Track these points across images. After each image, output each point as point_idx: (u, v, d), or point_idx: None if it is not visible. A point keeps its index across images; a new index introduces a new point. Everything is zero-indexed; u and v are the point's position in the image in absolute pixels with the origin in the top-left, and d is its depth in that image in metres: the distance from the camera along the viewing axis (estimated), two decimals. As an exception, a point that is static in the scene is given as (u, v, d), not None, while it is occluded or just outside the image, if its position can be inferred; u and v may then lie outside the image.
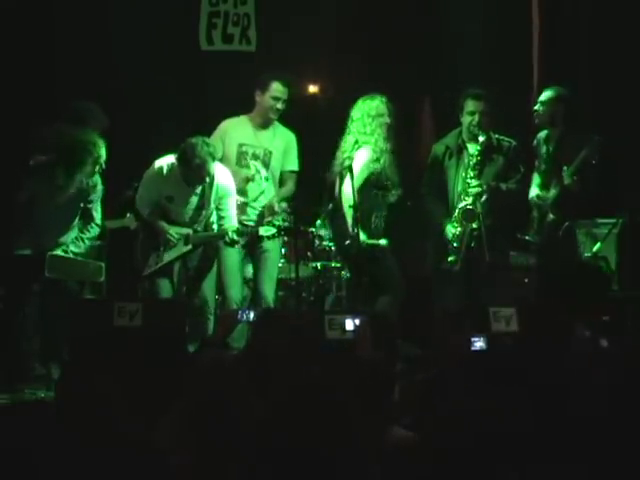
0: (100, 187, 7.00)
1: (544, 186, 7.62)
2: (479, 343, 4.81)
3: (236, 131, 7.66)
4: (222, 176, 7.27)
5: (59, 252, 6.87)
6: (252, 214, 7.61)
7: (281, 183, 7.73)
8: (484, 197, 7.28)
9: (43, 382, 6.61)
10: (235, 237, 7.12)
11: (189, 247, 7.28)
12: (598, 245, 7.38)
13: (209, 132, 7.53)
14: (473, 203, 7.26)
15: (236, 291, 7.43)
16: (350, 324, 5.25)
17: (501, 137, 7.50)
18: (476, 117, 7.38)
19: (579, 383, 3.34)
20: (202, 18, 8.97)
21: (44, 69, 8.58)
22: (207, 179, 7.14)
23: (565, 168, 7.43)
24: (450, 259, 7.31)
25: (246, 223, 7.49)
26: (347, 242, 7.28)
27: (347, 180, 7.23)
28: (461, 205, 7.30)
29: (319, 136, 7.95)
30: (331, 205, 7.80)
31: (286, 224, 7.33)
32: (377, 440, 3.36)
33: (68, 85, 8.40)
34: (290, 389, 2.75)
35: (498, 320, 5.45)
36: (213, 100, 8.62)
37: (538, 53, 8.86)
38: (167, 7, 8.87)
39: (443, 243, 7.37)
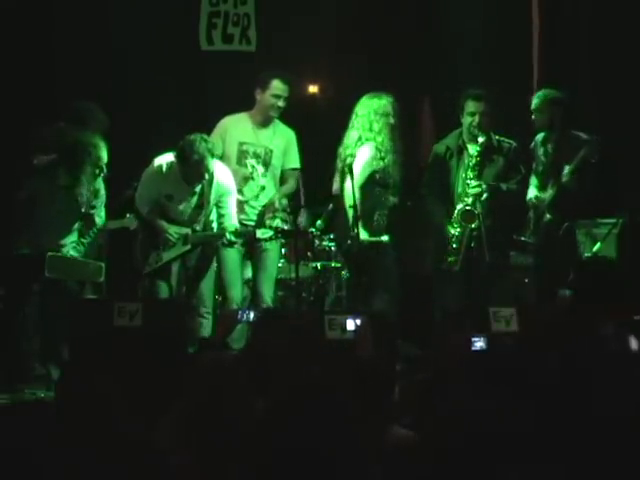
0: (103, 192, 7.00)
1: (541, 187, 7.63)
2: (479, 343, 4.81)
3: (236, 129, 7.65)
4: (222, 174, 7.27)
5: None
6: (251, 214, 7.61)
7: (282, 181, 7.73)
8: (484, 196, 7.28)
9: (43, 382, 6.61)
10: (233, 238, 7.11)
11: (188, 247, 7.29)
12: (598, 245, 7.38)
13: (209, 132, 7.52)
14: (473, 204, 7.26)
15: (236, 291, 7.42)
16: (350, 324, 5.24)
17: (501, 138, 7.50)
18: (476, 118, 7.37)
19: (603, 383, 3.32)
20: (202, 18, 8.97)
21: (44, 69, 8.59)
22: (206, 176, 7.12)
23: (566, 167, 7.44)
24: (450, 259, 7.32)
25: (245, 223, 7.49)
26: (348, 242, 7.28)
27: (348, 179, 7.23)
28: (460, 206, 7.30)
29: (319, 136, 7.95)
30: (331, 205, 7.81)
31: (285, 225, 7.33)
32: (377, 440, 3.36)
33: (68, 85, 8.40)
34: (290, 389, 2.75)
35: (498, 320, 5.45)
36: (213, 100, 8.62)
37: (538, 53, 8.85)
38: (167, 7, 8.88)
39: (443, 243, 7.37)
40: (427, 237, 7.78)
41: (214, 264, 7.41)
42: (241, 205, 7.52)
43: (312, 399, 2.66)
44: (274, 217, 7.44)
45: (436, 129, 8.71)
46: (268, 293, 7.47)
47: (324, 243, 8.17)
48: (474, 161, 7.34)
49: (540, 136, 7.71)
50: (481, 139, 7.33)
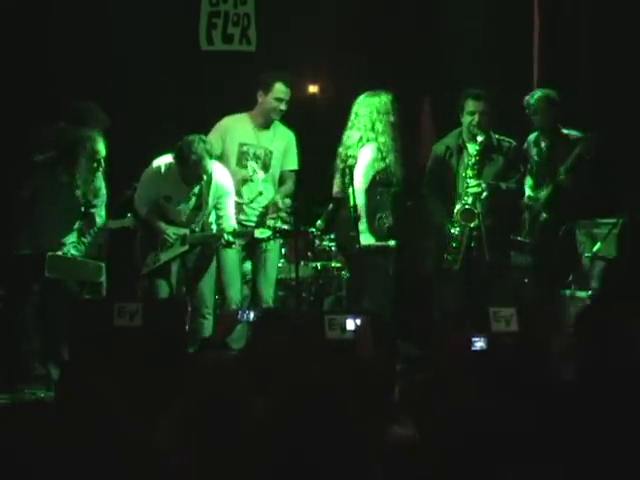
0: (104, 192, 7.00)
1: (536, 187, 7.64)
2: (479, 343, 4.81)
3: (237, 130, 7.65)
4: (220, 175, 7.26)
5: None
6: (251, 214, 7.60)
7: (280, 182, 7.72)
8: (484, 195, 7.27)
9: (43, 382, 6.62)
10: (231, 239, 7.11)
11: (186, 247, 7.29)
12: (598, 245, 7.38)
13: (208, 132, 7.53)
14: (472, 203, 7.26)
15: (236, 291, 7.42)
16: (350, 324, 5.24)
17: (501, 137, 7.50)
18: (476, 117, 7.37)
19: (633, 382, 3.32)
20: (202, 18, 8.97)
21: (44, 69, 8.58)
22: (204, 177, 7.12)
23: (562, 166, 7.46)
24: (449, 258, 7.31)
25: (245, 223, 7.49)
26: (357, 247, 7.26)
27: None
28: (460, 205, 7.30)
29: (319, 136, 7.95)
30: (331, 205, 7.80)
31: (285, 225, 7.33)
32: (377, 440, 3.36)
33: (68, 85, 8.39)
34: (290, 389, 2.76)
35: (498, 320, 5.45)
36: (213, 100, 8.62)
37: (538, 53, 8.85)
38: (167, 7, 8.87)
39: (444, 243, 7.37)
40: (427, 237, 7.78)
41: (214, 264, 7.40)
42: (240, 206, 7.51)
43: (312, 399, 2.66)
44: (277, 217, 7.44)
45: (436, 129, 8.71)
46: (268, 293, 7.47)
47: (324, 243, 8.17)
48: (474, 160, 7.34)
49: (532, 136, 7.74)
50: (480, 138, 7.32)
